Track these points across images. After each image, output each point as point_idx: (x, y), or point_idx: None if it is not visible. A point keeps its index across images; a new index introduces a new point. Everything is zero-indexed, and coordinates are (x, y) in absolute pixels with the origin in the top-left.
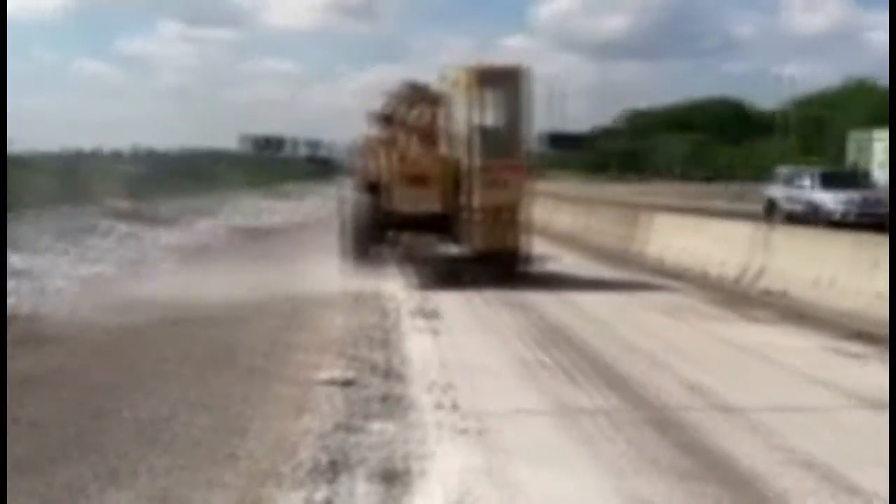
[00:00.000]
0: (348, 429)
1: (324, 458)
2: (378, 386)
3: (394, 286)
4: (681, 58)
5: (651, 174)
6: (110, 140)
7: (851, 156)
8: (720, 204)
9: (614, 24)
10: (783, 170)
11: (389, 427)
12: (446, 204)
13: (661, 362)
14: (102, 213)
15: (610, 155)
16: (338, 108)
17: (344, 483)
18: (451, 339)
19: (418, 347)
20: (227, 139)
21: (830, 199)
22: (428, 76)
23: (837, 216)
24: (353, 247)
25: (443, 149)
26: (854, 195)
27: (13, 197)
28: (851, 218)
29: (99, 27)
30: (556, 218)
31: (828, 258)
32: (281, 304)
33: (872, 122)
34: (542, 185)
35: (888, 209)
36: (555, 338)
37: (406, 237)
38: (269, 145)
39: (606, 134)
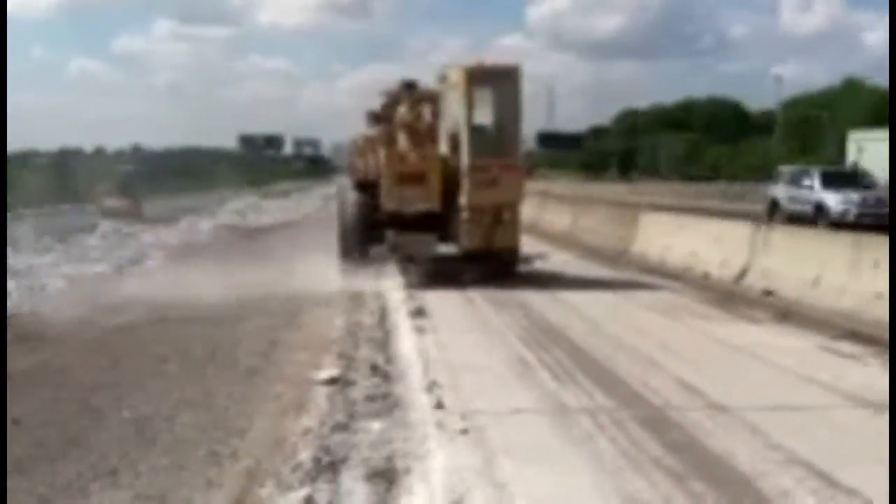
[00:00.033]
0: (347, 429)
1: (324, 458)
2: (377, 386)
3: (391, 285)
4: (676, 58)
5: (646, 174)
6: (107, 139)
7: (852, 156)
8: (716, 204)
9: (609, 23)
10: (786, 169)
11: (389, 427)
12: (443, 203)
13: (656, 362)
14: (100, 213)
15: (603, 154)
16: (333, 106)
17: (344, 483)
18: (449, 338)
19: (416, 347)
20: (224, 138)
21: (833, 199)
22: (423, 75)
23: (839, 216)
24: (350, 246)
25: (440, 148)
26: (855, 195)
27: (10, 196)
28: (851, 218)
29: (93, 26)
30: (550, 217)
31: (825, 258)
32: (279, 304)
33: (866, 122)
34: (535, 185)
35: (889, 209)
36: (551, 337)
37: (403, 236)
38: (267, 144)
39: (597, 133)
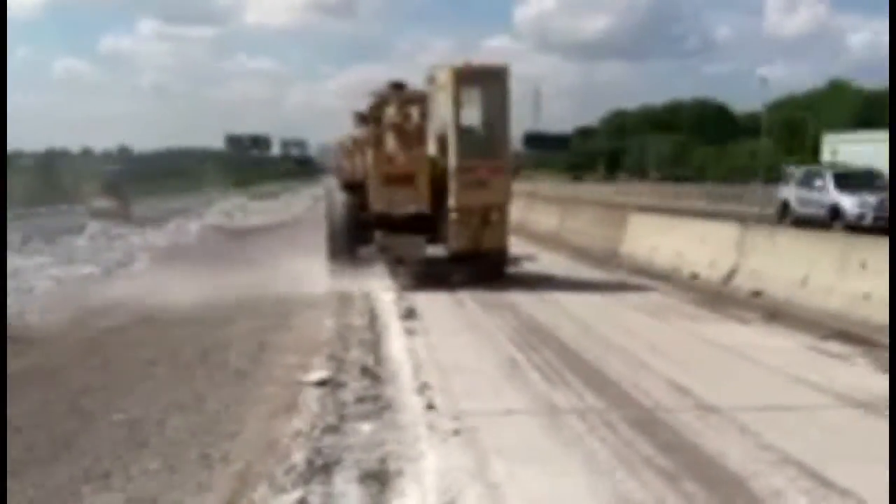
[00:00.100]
0: (339, 431)
1: (316, 460)
2: (368, 387)
3: (380, 287)
4: (662, 59)
5: (634, 175)
6: (93, 139)
7: (827, 157)
8: (702, 205)
9: (596, 24)
10: (796, 170)
11: (380, 429)
12: (432, 205)
13: (646, 363)
14: (88, 214)
15: (590, 155)
16: (319, 107)
17: (336, 485)
18: (439, 339)
19: (406, 349)
20: (210, 138)
21: (849, 202)
22: (410, 76)
23: (855, 219)
24: (339, 247)
25: (429, 149)
26: (872, 198)
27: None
28: (869, 221)
29: (78, 25)
30: (537, 218)
31: (813, 259)
32: (269, 305)
33: (851, 124)
34: (520, 186)
35: (889, 209)
36: (540, 338)
37: (392, 238)
38: (254, 145)
39: (584, 134)
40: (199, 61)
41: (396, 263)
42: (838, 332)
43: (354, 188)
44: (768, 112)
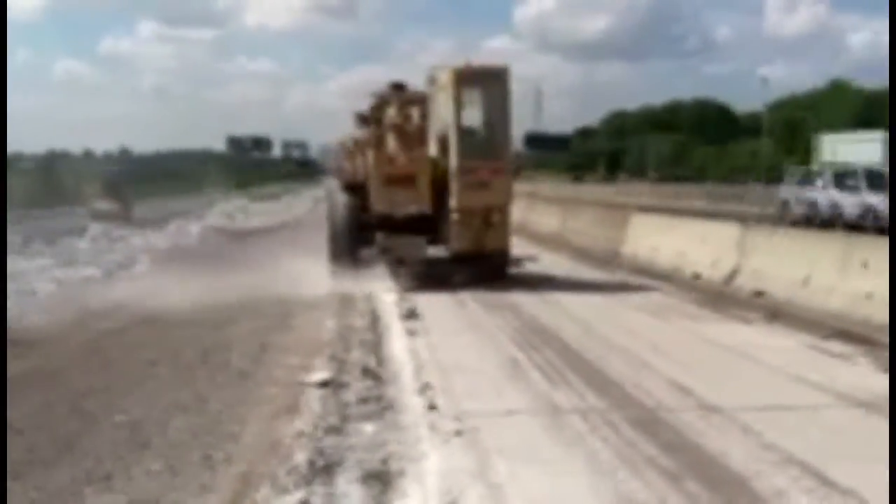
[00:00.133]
0: (341, 431)
1: (318, 461)
2: (370, 388)
3: (382, 288)
4: (662, 59)
5: (635, 175)
6: (94, 141)
7: (827, 158)
8: (702, 205)
9: (596, 25)
10: (796, 170)
11: (382, 429)
12: (433, 205)
13: (648, 363)
14: (89, 215)
15: (590, 155)
16: (320, 108)
17: (339, 486)
18: (440, 340)
19: (408, 349)
20: (212, 139)
21: (848, 202)
22: (411, 77)
23: (853, 220)
24: (340, 248)
25: (430, 150)
26: (872, 198)
27: None
28: (870, 221)
29: (78, 27)
30: (538, 218)
31: (815, 259)
32: (270, 307)
33: (851, 124)
34: (521, 187)
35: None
36: (542, 338)
37: (393, 239)
38: (255, 146)
39: (585, 134)
40: (199, 63)
41: (398, 264)
42: (840, 331)
43: (355, 189)
44: (769, 112)
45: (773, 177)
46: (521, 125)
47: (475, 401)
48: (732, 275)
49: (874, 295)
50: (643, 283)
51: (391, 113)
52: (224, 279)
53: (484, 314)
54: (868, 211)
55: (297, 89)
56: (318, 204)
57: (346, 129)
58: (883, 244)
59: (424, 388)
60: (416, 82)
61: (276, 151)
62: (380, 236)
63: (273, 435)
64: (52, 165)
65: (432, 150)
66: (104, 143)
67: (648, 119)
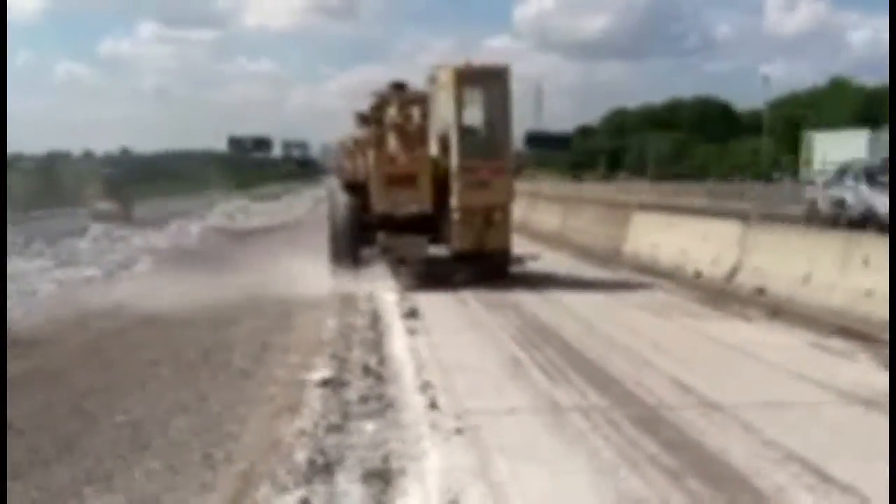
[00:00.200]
0: (342, 430)
1: (319, 460)
2: (371, 387)
3: (383, 287)
4: (662, 57)
5: (635, 174)
6: (95, 142)
7: (817, 156)
8: (701, 203)
9: (596, 24)
10: (827, 166)
11: (383, 428)
12: (434, 205)
13: (649, 361)
14: (90, 216)
15: (591, 154)
16: (320, 108)
17: (339, 484)
18: (441, 339)
19: (409, 348)
20: (212, 140)
21: (881, 202)
22: (411, 77)
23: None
24: (341, 248)
25: (431, 150)
26: None
27: None
28: None
29: (78, 29)
30: (540, 217)
31: (815, 256)
32: (271, 306)
33: (852, 121)
34: (522, 186)
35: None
36: (544, 337)
37: (395, 238)
38: (256, 147)
39: (585, 133)
40: (199, 64)
41: (399, 264)
42: (840, 328)
43: (356, 189)
44: (770, 110)
45: (770, 175)
46: (521, 124)
47: (476, 399)
48: (733, 272)
49: (875, 292)
50: (644, 281)
51: (392, 112)
52: (225, 279)
53: (485, 313)
54: (868, 211)
55: (297, 89)
56: (319, 204)
57: (346, 129)
58: (883, 241)
59: (425, 387)
60: (416, 82)
61: (277, 151)
62: (381, 236)
63: (274, 434)
64: (53, 166)
65: (433, 149)
66: (105, 143)
67: (649, 117)
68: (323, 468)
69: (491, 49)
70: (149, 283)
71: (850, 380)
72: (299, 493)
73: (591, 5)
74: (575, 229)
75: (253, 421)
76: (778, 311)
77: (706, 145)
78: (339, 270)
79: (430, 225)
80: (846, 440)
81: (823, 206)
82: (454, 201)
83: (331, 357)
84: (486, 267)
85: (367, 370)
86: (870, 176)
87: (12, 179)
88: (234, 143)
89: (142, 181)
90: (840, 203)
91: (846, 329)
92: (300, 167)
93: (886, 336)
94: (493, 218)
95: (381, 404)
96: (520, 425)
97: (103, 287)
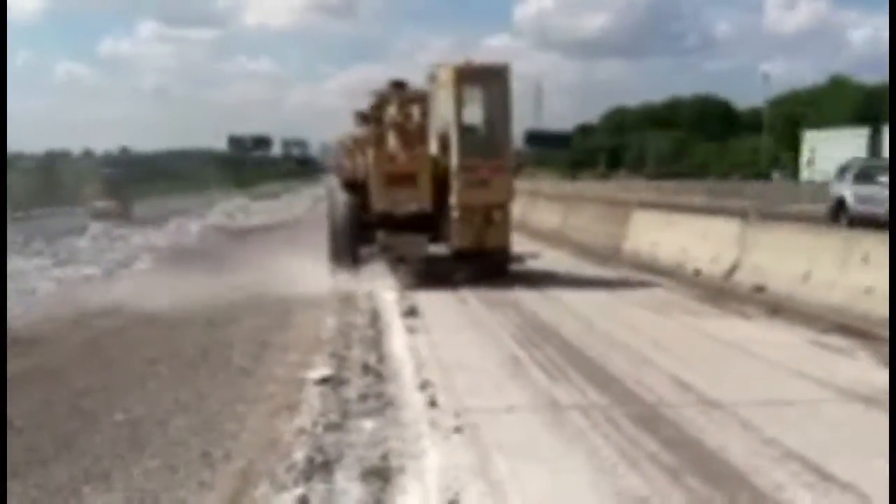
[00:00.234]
0: (341, 428)
1: (318, 458)
2: (370, 385)
3: (382, 286)
4: (662, 56)
5: (632, 172)
6: (94, 141)
7: (807, 155)
8: (700, 201)
9: (595, 22)
10: (854, 162)
11: (382, 426)
12: (434, 203)
13: (649, 359)
14: (90, 215)
15: (591, 152)
16: (320, 107)
17: (338, 483)
18: (441, 337)
19: (408, 346)
20: (212, 139)
21: None
22: (410, 76)
23: None
24: (341, 247)
25: (430, 148)
26: None
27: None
28: None
29: (77, 29)
30: (539, 215)
31: (815, 254)
32: (270, 305)
33: (852, 119)
34: (521, 185)
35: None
36: (543, 335)
37: (394, 237)
38: (256, 145)
39: (585, 131)
40: (199, 63)
41: (398, 262)
42: (840, 326)
43: (356, 188)
44: (770, 108)
45: (767, 173)
46: (521, 123)
47: (476, 397)
48: (733, 270)
49: (874, 289)
50: (644, 279)
51: (392, 111)
52: (224, 278)
53: (485, 311)
54: None
55: (297, 88)
56: (318, 202)
57: (345, 128)
58: (883, 239)
59: (425, 385)
60: (415, 81)
61: (277, 150)
62: (380, 234)
63: (273, 432)
64: (53, 165)
65: (433, 148)
66: (104, 143)
67: (648, 116)
68: (322, 466)
69: (490, 48)
70: (148, 281)
71: (849, 377)
72: (298, 491)
73: (591, 4)
74: (575, 227)
75: (252, 419)
76: (777, 308)
77: (706, 144)
78: (338, 269)
79: (430, 223)
80: (846, 438)
81: (852, 203)
82: (454, 200)
83: (330, 355)
84: (486, 265)
85: (366, 368)
86: None
87: (12, 179)
88: (234, 141)
89: (141, 180)
90: (865, 200)
91: (846, 326)
92: (300, 166)
93: (886, 333)
94: (493, 216)
95: (381, 402)
96: (519, 423)
97: (102, 286)
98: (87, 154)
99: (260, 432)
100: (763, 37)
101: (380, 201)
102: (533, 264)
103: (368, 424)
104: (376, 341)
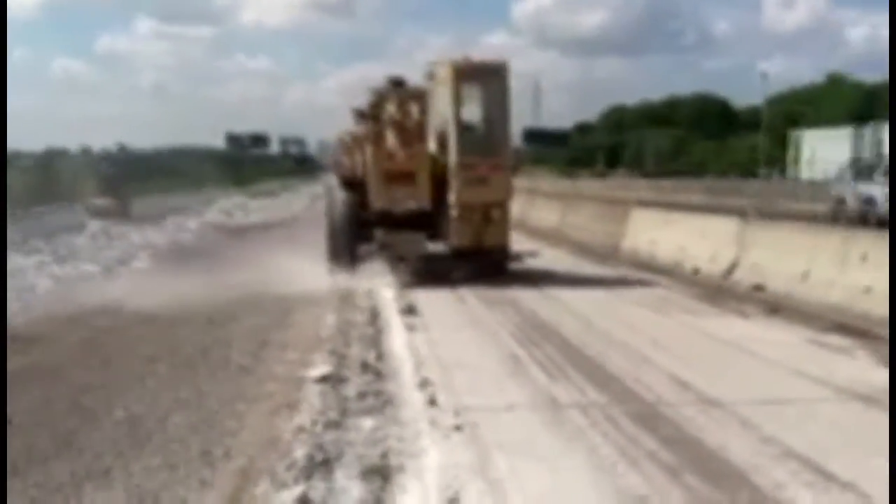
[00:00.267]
0: (340, 426)
1: (317, 456)
2: (369, 383)
3: (381, 284)
4: (660, 54)
5: (631, 170)
6: (92, 139)
7: (806, 154)
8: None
9: (594, 20)
10: (856, 161)
11: (382, 424)
12: (433, 201)
13: (648, 357)
14: (88, 212)
15: (589, 150)
16: (318, 105)
17: (338, 481)
18: (440, 335)
19: (407, 345)
20: (210, 137)
21: None
22: (408, 74)
23: None
24: (339, 245)
25: (430, 146)
26: None
27: None
28: None
29: (75, 26)
30: (538, 214)
31: (814, 253)
32: (269, 303)
33: (850, 118)
34: (519, 183)
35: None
36: (542, 334)
37: (393, 235)
38: (254, 143)
39: (583, 130)
40: (197, 61)
41: (397, 260)
42: (839, 325)
43: (354, 185)
44: (768, 106)
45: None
46: (519, 121)
47: (475, 396)
48: (731, 269)
49: (873, 289)
50: (643, 277)
51: (390, 109)
52: (223, 276)
53: (484, 310)
54: None
55: (294, 86)
56: (316, 201)
57: (344, 126)
58: (882, 238)
59: (424, 384)
60: (413, 79)
61: (275, 148)
62: (379, 233)
63: (273, 430)
64: (51, 163)
65: (431, 146)
66: (102, 140)
67: (647, 114)
68: (321, 464)
69: (489, 46)
70: (147, 279)
71: (848, 376)
72: (298, 489)
73: (589, 1)
74: (573, 226)
75: (251, 417)
76: (776, 307)
77: (705, 142)
78: (337, 267)
79: (429, 221)
80: (845, 437)
81: (852, 203)
82: (453, 198)
83: (329, 353)
84: (485, 264)
85: (365, 367)
86: None
87: (10, 177)
88: (232, 139)
89: (139, 178)
90: (870, 200)
91: (845, 325)
92: (297, 164)
93: (885, 332)
94: (492, 215)
95: (380, 401)
96: (519, 422)
97: (101, 283)
98: (85, 151)
99: (260, 430)
100: (761, 35)
101: (378, 199)
102: (532, 263)
103: (368, 423)
104: (375, 339)
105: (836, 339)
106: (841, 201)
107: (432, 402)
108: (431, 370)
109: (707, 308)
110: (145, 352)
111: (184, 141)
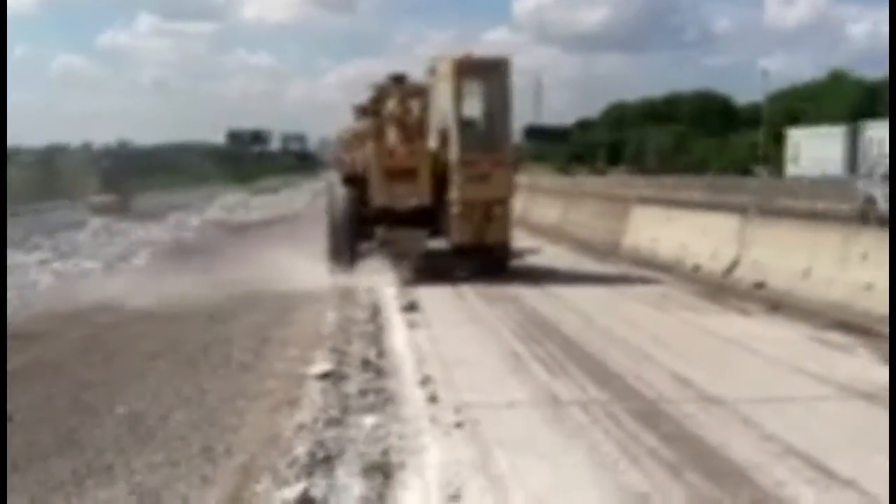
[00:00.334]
0: (341, 424)
1: (319, 453)
2: (370, 380)
3: (382, 281)
4: (661, 51)
5: (632, 167)
6: (93, 135)
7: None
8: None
9: (595, 16)
10: (882, 160)
11: (383, 421)
12: (434, 198)
13: (649, 354)
14: (89, 209)
15: (590, 147)
16: (318, 101)
17: (339, 478)
18: (441, 332)
19: (408, 342)
20: (212, 133)
21: None
22: (409, 70)
23: None
24: (340, 242)
25: (431, 142)
26: None
27: None
28: None
29: (76, 21)
30: (539, 210)
31: (815, 250)
32: (270, 300)
33: (851, 115)
34: (521, 179)
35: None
36: (543, 331)
37: (394, 232)
38: (255, 140)
39: (584, 126)
40: (198, 56)
41: (398, 257)
42: (840, 322)
43: (355, 182)
44: (769, 103)
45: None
46: (520, 117)
47: (476, 393)
48: (732, 266)
49: (874, 286)
50: (644, 274)
51: (391, 105)
52: (224, 273)
53: (485, 307)
54: None
55: (295, 82)
56: (317, 197)
57: (344, 122)
58: (882, 236)
59: (425, 381)
60: (414, 75)
61: (276, 144)
62: (380, 229)
63: (274, 427)
64: (52, 159)
65: (432, 142)
66: (103, 136)
67: (648, 111)
68: (323, 461)
69: (490, 42)
70: (148, 276)
71: (849, 374)
72: (300, 486)
73: None
74: (574, 223)
75: (252, 414)
76: (777, 305)
77: (706, 139)
78: (338, 264)
79: (430, 218)
80: (846, 434)
81: (883, 203)
82: (454, 195)
83: (330, 350)
84: (486, 261)
85: (366, 364)
86: None
87: (11, 173)
88: (233, 136)
89: (140, 174)
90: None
91: (845, 323)
92: (298, 160)
93: (886, 330)
94: (493, 212)
95: (381, 398)
96: (520, 419)
97: (102, 280)
98: (86, 147)
99: (261, 427)
100: (762, 32)
101: (379, 196)
102: (532, 260)
103: (369, 420)
104: (376, 336)
105: (836, 337)
106: (871, 200)
107: (433, 399)
108: (432, 367)
109: (708, 305)
110: (146, 348)
111: (185, 137)
